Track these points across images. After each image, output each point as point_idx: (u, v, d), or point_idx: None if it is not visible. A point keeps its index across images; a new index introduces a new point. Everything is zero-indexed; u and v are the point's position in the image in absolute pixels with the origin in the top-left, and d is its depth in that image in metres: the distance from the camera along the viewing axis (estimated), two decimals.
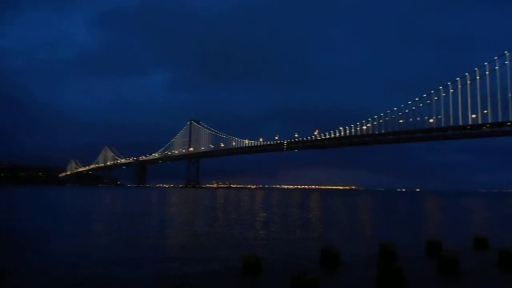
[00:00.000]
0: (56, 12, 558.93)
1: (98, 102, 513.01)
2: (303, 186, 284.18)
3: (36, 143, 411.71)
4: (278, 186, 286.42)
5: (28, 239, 16.68)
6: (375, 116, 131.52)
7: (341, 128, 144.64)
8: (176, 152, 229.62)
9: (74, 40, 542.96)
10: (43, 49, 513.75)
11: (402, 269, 9.25)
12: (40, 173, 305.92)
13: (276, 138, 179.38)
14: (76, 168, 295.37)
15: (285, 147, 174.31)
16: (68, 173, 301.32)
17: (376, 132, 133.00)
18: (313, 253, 12.40)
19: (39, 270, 10.41)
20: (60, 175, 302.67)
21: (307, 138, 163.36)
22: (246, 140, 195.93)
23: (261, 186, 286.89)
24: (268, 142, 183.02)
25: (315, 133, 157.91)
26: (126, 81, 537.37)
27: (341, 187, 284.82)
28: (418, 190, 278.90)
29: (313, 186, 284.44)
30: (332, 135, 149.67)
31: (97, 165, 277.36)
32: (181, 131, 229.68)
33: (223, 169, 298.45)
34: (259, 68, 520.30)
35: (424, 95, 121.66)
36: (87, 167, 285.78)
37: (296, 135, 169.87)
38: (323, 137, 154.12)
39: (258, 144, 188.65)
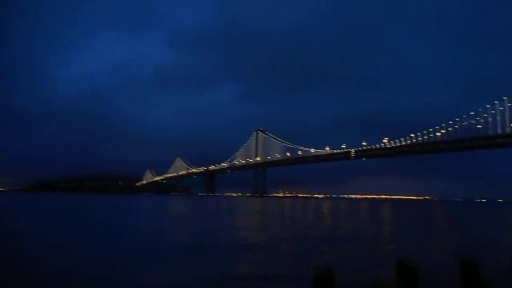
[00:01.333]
0: (135, 33, 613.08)
1: (172, 116, 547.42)
2: (372, 196, 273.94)
3: (117, 155, 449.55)
4: (346, 195, 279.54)
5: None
6: (450, 122, 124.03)
7: (412, 135, 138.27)
8: (244, 161, 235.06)
9: (152, 58, 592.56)
10: (124, 68, 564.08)
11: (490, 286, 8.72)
12: (120, 182, 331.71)
13: (343, 146, 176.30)
14: (152, 178, 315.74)
15: (352, 155, 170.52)
16: (144, 182, 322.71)
17: (452, 139, 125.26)
18: (388, 266, 11.95)
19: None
20: (137, 184, 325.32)
21: (375, 146, 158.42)
22: (312, 149, 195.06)
23: (328, 195, 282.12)
24: (335, 151, 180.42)
25: (384, 140, 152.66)
26: (198, 95, 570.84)
27: (414, 197, 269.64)
28: (500, 200, 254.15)
29: (383, 196, 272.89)
30: (403, 143, 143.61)
31: (170, 175, 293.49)
32: (248, 141, 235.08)
33: (289, 179, 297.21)
34: (325, 76, 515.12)
35: (505, 98, 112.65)
36: (162, 177, 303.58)
37: (364, 143, 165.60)
38: (393, 145, 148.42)
39: (325, 153, 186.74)
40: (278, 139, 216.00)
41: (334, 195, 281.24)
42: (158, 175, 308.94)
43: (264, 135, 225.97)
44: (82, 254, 14.38)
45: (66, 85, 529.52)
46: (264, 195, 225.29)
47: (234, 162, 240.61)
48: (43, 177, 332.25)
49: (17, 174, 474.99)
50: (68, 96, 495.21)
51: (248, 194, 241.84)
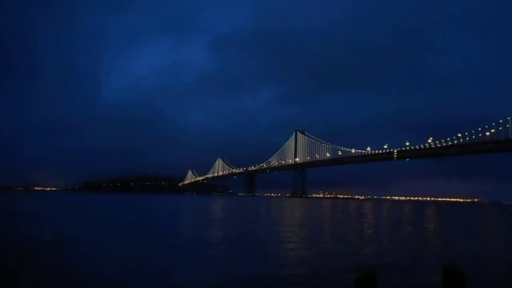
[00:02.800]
0: (178, 40, 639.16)
1: (214, 118, 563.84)
2: (416, 198, 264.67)
3: (161, 156, 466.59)
4: (388, 197, 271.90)
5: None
6: (500, 121, 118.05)
7: (459, 135, 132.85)
8: (283, 162, 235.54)
9: (194, 63, 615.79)
10: (168, 74, 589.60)
11: None
12: (163, 182, 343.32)
13: (385, 146, 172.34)
14: (194, 178, 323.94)
15: (395, 156, 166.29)
16: (186, 182, 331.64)
17: (502, 139, 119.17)
18: (433, 271, 11.48)
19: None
20: (180, 184, 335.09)
21: (419, 146, 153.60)
22: (353, 149, 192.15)
23: (369, 196, 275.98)
24: (377, 151, 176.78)
25: (429, 140, 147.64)
26: (239, 97, 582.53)
27: (461, 200, 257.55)
28: None
29: (428, 198, 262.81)
30: (450, 143, 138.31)
31: (211, 175, 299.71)
32: (287, 141, 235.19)
33: (329, 179, 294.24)
34: (366, 76, 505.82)
35: None
36: (203, 177, 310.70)
37: (407, 143, 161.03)
38: (439, 145, 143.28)
39: (366, 153, 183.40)
40: (318, 139, 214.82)
41: (375, 197, 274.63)
42: (200, 175, 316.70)
43: (303, 135, 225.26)
44: (125, 250, 15.33)
45: (114, 91, 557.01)
46: (303, 195, 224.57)
47: (273, 162, 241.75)
48: (92, 178, 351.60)
49: (69, 175, 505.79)
50: (116, 101, 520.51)
51: (288, 195, 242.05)
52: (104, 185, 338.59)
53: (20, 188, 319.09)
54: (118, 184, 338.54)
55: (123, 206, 55.73)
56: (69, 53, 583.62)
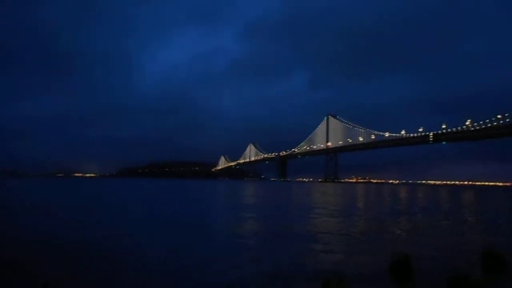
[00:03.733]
0: (209, 28, 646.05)
1: (246, 104, 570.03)
2: (453, 182, 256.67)
3: (195, 142, 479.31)
4: (423, 181, 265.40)
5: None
6: None
7: (499, 116, 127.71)
8: (315, 147, 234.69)
9: (225, 50, 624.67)
10: (200, 62, 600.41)
11: None
12: (197, 168, 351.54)
13: (421, 130, 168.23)
14: (226, 163, 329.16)
15: (431, 139, 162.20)
16: (219, 167, 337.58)
17: None
18: (472, 257, 11.17)
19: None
20: (213, 169, 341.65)
21: (457, 129, 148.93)
22: (387, 133, 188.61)
23: (404, 181, 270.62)
24: (411, 135, 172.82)
25: (467, 123, 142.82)
26: (269, 83, 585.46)
27: (501, 184, 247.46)
28: None
29: (466, 182, 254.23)
30: (489, 125, 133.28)
31: (243, 160, 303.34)
32: (319, 126, 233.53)
33: (362, 164, 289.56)
34: (400, 57, 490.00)
35: None
36: (235, 162, 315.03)
37: (444, 126, 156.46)
38: (477, 127, 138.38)
39: (400, 137, 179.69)
40: (350, 123, 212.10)
41: (410, 181, 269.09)
42: (232, 161, 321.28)
43: (335, 120, 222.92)
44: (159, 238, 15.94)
45: (149, 80, 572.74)
46: (336, 180, 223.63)
47: (305, 147, 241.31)
48: (129, 164, 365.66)
49: (106, 161, 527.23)
50: (151, 90, 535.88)
51: (320, 180, 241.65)
52: (140, 170, 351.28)
53: (61, 175, 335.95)
54: (154, 170, 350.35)
55: (161, 192, 58.24)
56: (104, 43, 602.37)
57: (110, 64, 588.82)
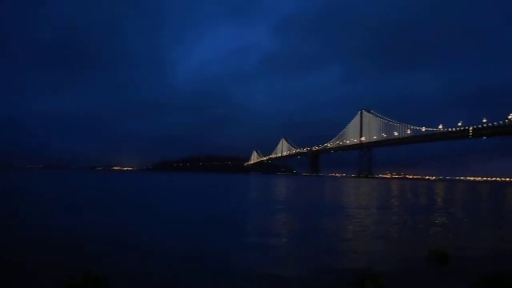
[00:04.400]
0: (242, 24, 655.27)
1: (278, 99, 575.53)
2: (494, 178, 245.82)
3: (227, 137, 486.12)
4: (462, 177, 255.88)
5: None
6: None
7: None
8: (348, 142, 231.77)
9: (259, 46, 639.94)
10: (234, 57, 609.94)
11: None
12: (230, 162, 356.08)
13: (459, 124, 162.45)
14: (258, 158, 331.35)
15: (470, 134, 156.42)
16: (251, 162, 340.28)
17: None
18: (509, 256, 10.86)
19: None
20: (245, 164, 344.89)
21: (498, 123, 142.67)
22: (424, 127, 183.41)
23: (441, 177, 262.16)
24: (450, 129, 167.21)
25: (509, 117, 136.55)
26: (302, 78, 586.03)
27: None
28: None
29: (507, 179, 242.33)
30: None
31: (275, 155, 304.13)
32: (352, 121, 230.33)
33: (397, 159, 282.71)
34: (438, 50, 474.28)
35: None
36: (267, 157, 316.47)
37: (485, 120, 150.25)
38: None
39: (438, 131, 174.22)
40: (384, 117, 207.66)
41: (448, 177, 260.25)
42: (264, 155, 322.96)
43: (369, 114, 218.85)
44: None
45: (184, 76, 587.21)
46: (369, 176, 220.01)
47: (338, 142, 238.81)
48: (164, 158, 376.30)
49: (143, 155, 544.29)
50: (185, 86, 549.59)
51: (353, 175, 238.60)
52: (175, 165, 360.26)
53: (100, 168, 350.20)
54: (188, 164, 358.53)
55: (196, 186, 59.77)
56: (140, 40, 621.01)
57: (147, 61, 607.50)
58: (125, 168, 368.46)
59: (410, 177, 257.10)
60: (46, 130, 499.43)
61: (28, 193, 32.72)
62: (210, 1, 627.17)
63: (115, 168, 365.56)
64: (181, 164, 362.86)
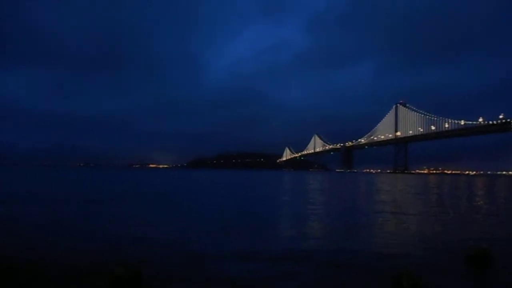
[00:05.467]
0: (274, 21, 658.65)
1: (310, 95, 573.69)
2: None
3: (259, 134, 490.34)
4: (504, 172, 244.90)
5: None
6: None
7: None
8: (382, 137, 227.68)
9: (292, 42, 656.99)
10: (267, 54, 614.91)
11: None
12: (262, 159, 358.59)
13: (501, 117, 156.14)
14: (290, 155, 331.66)
15: None
16: (284, 159, 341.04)
17: None
18: None
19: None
20: (278, 160, 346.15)
21: None
22: (462, 121, 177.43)
23: (481, 172, 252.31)
24: (491, 122, 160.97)
25: None
26: (334, 74, 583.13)
27: None
28: None
29: None
30: None
31: (307, 152, 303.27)
32: (387, 115, 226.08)
33: (435, 154, 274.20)
34: (477, 40, 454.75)
35: None
36: (300, 153, 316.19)
37: None
38: None
39: (477, 124, 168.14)
40: (421, 111, 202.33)
41: (489, 172, 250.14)
42: (296, 152, 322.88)
43: (404, 108, 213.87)
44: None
45: (217, 73, 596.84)
46: (406, 171, 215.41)
47: (372, 137, 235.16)
48: (199, 155, 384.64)
49: (178, 153, 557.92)
50: (219, 84, 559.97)
51: (388, 171, 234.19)
52: (208, 162, 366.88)
53: (137, 166, 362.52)
54: (221, 161, 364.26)
55: (230, 182, 61.34)
56: (175, 42, 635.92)
57: (181, 62, 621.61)
58: (161, 166, 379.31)
59: (449, 172, 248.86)
60: (86, 130, 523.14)
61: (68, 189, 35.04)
62: (241, 0, 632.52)
63: (151, 165, 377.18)
64: (214, 161, 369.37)
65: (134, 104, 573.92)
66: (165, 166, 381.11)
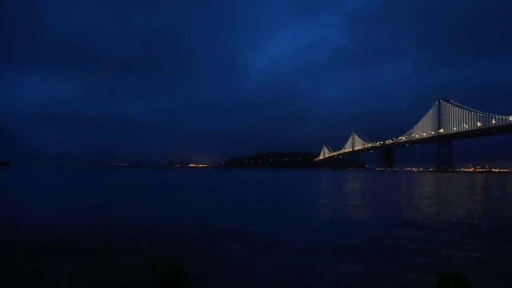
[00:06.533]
0: (312, 20, 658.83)
1: (349, 93, 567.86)
2: None
3: (297, 133, 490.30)
4: None
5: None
6: None
7: None
8: (424, 134, 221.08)
9: (329, 40, 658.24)
10: (304, 53, 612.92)
11: None
12: (299, 158, 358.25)
13: None
14: (328, 153, 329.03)
15: None
16: (321, 157, 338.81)
17: None
18: None
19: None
20: (315, 159, 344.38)
21: None
22: (511, 117, 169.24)
23: None
24: None
25: None
26: (375, 70, 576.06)
27: None
28: None
29: None
30: None
31: (346, 150, 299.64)
32: (429, 112, 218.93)
33: (481, 151, 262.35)
34: None
35: None
36: (338, 152, 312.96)
37: None
38: None
39: None
40: (466, 107, 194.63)
41: None
42: (334, 150, 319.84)
43: (447, 104, 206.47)
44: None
45: (255, 73, 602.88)
46: (450, 170, 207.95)
47: (413, 135, 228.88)
48: (237, 155, 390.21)
49: (217, 152, 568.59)
50: (257, 84, 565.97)
51: (431, 169, 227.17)
52: (246, 161, 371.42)
53: (178, 165, 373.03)
54: (259, 160, 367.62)
55: (269, 182, 62.35)
56: (213, 44, 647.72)
57: (220, 63, 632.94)
58: (200, 165, 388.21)
59: (496, 170, 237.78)
60: (130, 131, 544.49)
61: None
62: (279, 0, 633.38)
63: (191, 165, 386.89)
64: (252, 161, 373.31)
65: (176, 106, 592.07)
66: (204, 165, 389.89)
